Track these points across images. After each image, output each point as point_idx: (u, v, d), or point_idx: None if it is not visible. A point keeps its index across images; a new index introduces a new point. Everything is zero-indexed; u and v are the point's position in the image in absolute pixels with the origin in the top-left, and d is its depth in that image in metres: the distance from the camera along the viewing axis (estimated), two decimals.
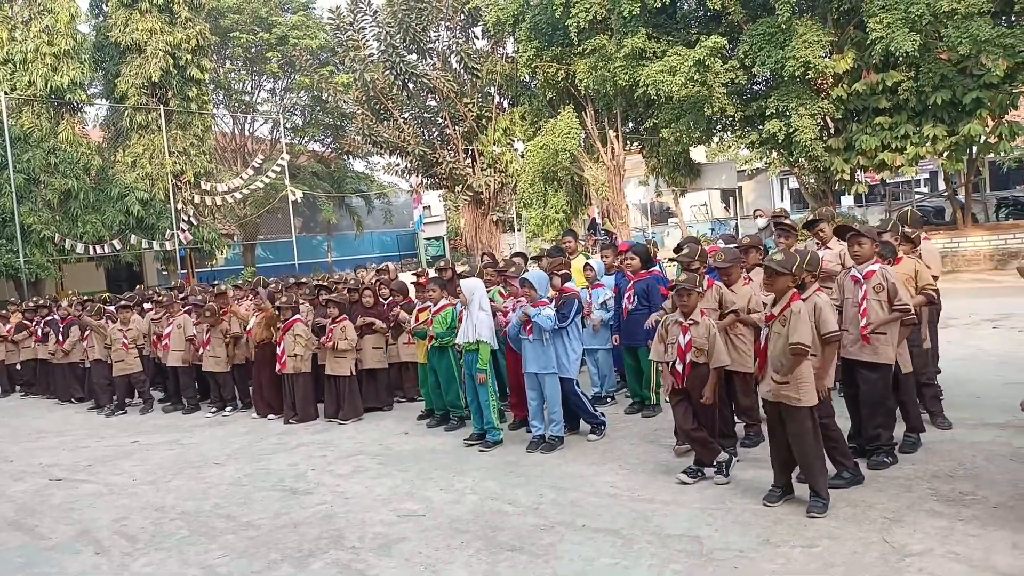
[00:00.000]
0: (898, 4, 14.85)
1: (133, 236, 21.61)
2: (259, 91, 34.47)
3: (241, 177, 24.55)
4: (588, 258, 8.12)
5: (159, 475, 6.48)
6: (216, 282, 12.59)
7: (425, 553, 4.33)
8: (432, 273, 10.47)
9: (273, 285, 10.17)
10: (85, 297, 13.59)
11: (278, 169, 25.28)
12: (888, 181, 23.81)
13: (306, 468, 6.28)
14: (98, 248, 20.95)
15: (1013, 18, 15.90)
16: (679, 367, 5.19)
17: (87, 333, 10.09)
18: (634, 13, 18.11)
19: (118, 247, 21.46)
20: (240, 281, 15.61)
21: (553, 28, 21.28)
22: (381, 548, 4.46)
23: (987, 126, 15.91)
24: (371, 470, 6.05)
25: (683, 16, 20.51)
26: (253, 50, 30.87)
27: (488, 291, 6.99)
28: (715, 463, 5.11)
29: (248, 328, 8.48)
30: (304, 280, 10.60)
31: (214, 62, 26.38)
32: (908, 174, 18.36)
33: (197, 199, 23.18)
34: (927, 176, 29.37)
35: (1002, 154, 17.49)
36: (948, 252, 16.22)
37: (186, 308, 9.44)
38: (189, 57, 22.93)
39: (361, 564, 4.27)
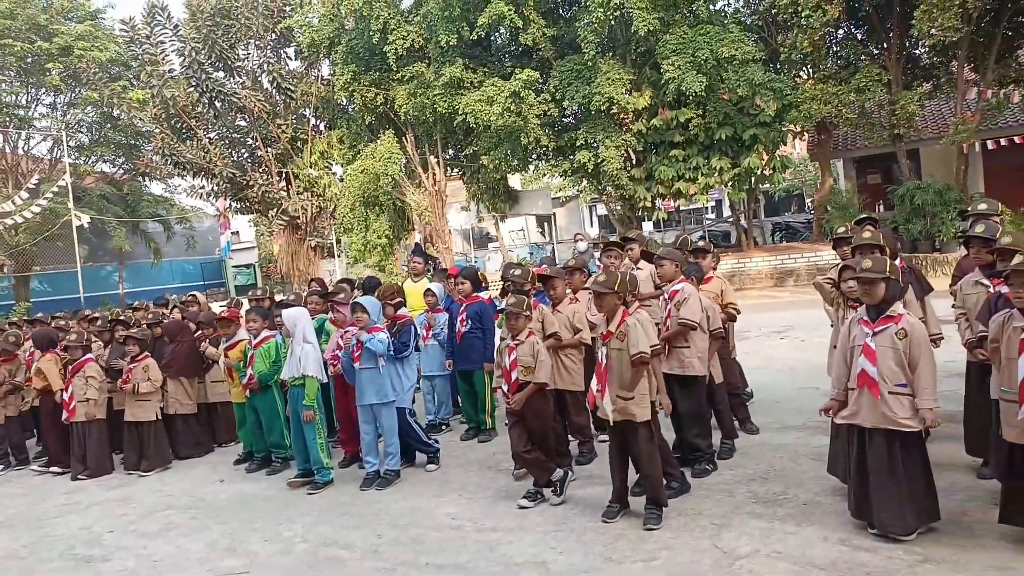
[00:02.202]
0: (687, 48, 16.41)
1: None
2: (36, 105, 30.74)
3: (13, 201, 21.62)
4: (430, 282, 7.98)
5: None
6: None
7: None
8: (245, 303, 9.78)
9: (58, 319, 8.95)
10: None
11: (57, 191, 22.54)
12: (682, 208, 26.10)
13: (101, 530, 5.49)
14: None
15: (779, 66, 18.16)
16: (505, 387, 5.20)
17: None
18: (451, 43, 18.47)
19: None
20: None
21: (371, 53, 21.13)
22: None
23: (762, 159, 17.94)
24: (183, 526, 5.43)
25: (497, 49, 21.26)
26: (29, 60, 27.52)
27: (313, 319, 6.62)
28: (551, 483, 5.15)
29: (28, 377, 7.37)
30: (95, 315, 9.40)
31: None
32: (701, 201, 20.18)
33: None
34: (714, 203, 32.52)
35: (775, 184, 19.77)
36: (736, 271, 17.99)
37: None
38: None
39: None
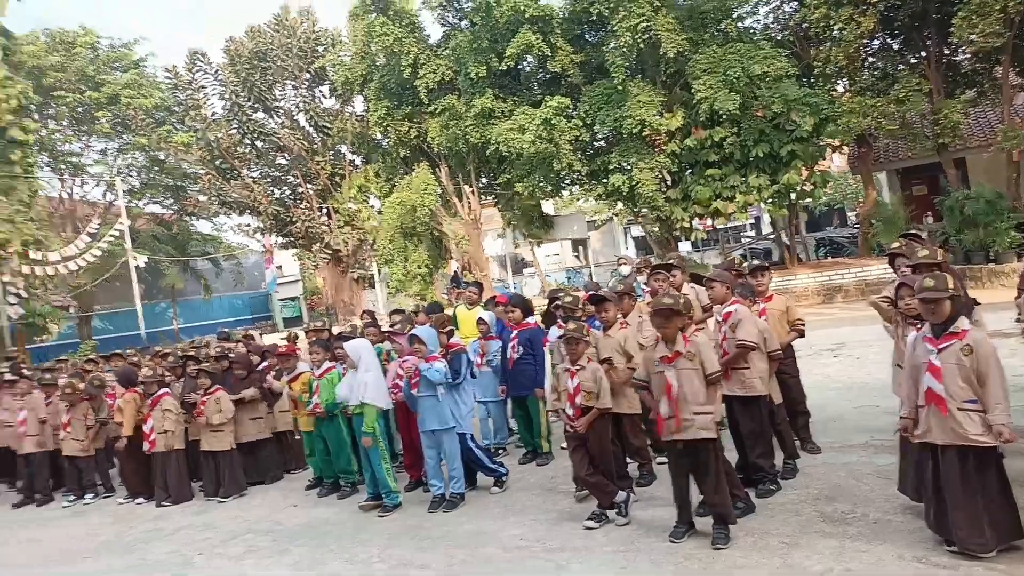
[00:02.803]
0: (717, 68, 16.54)
1: None
2: (88, 152, 32.12)
3: (76, 245, 22.58)
4: (483, 310, 8.21)
5: None
6: (63, 358, 11.39)
7: None
8: (301, 335, 10.15)
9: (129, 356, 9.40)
10: None
11: (116, 234, 23.51)
12: (720, 227, 26.06)
13: (191, 553, 5.81)
14: None
15: (813, 80, 18.18)
16: (569, 411, 5.35)
17: None
18: (480, 75, 18.92)
19: None
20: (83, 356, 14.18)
21: (402, 88, 21.70)
22: None
23: (802, 175, 17.90)
24: (265, 548, 5.70)
25: (526, 78, 21.64)
26: (80, 109, 28.84)
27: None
28: (614, 505, 5.28)
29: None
30: (167, 351, 9.87)
31: (38, 122, 24.35)
32: (740, 220, 20.16)
33: (26, 270, 21.02)
34: (752, 221, 32.38)
35: (817, 199, 19.66)
36: (781, 290, 17.82)
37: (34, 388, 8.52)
38: (10, 118, 21.01)
39: None
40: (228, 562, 5.50)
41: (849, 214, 34.01)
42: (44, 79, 26.57)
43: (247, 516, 6.69)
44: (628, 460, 6.05)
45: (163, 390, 7.48)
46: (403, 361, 6.69)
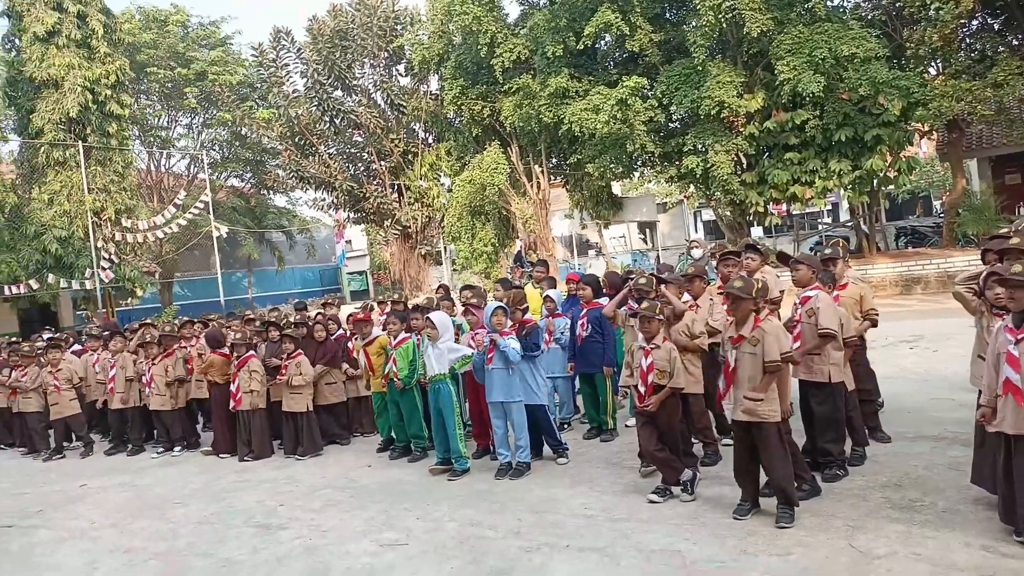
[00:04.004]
0: (803, 48, 16.06)
1: (51, 275, 20.61)
2: (175, 126, 33.62)
3: (163, 214, 23.82)
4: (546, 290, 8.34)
5: (119, 518, 6.25)
6: (146, 319, 12.11)
7: None
8: (375, 307, 10.56)
9: (218, 322, 9.96)
10: (12, 339, 12.83)
11: (200, 205, 24.65)
12: (795, 212, 25.38)
13: (274, 504, 6.18)
14: (14, 288, 19.89)
15: (904, 62, 17.44)
16: (641, 389, 5.45)
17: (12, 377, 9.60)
18: (557, 54, 18.87)
19: (35, 287, 20.41)
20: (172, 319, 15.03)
21: (478, 67, 21.84)
22: None
23: (886, 161, 17.27)
24: (342, 503, 6.03)
25: (603, 57, 21.46)
26: (170, 85, 30.17)
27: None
28: (680, 482, 5.37)
29: (202, 367, 8.27)
30: (253, 316, 10.40)
31: (132, 97, 25.64)
32: (818, 206, 19.62)
33: (118, 236, 22.29)
34: (830, 207, 31.43)
35: (900, 187, 18.93)
36: (856, 279, 17.31)
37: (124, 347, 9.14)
38: (108, 92, 22.21)
39: None
40: (309, 514, 5.84)
41: (934, 203, 32.57)
42: (138, 56, 27.88)
43: (325, 473, 7.05)
44: (693, 440, 6.13)
45: (250, 352, 7.92)
46: (475, 334, 6.91)
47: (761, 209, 18.73)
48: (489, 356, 6.36)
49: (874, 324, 6.10)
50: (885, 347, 10.20)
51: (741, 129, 18.01)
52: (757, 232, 27.97)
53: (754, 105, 17.48)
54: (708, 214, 32.16)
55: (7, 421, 10.18)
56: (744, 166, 18.93)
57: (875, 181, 17.88)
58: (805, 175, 17.46)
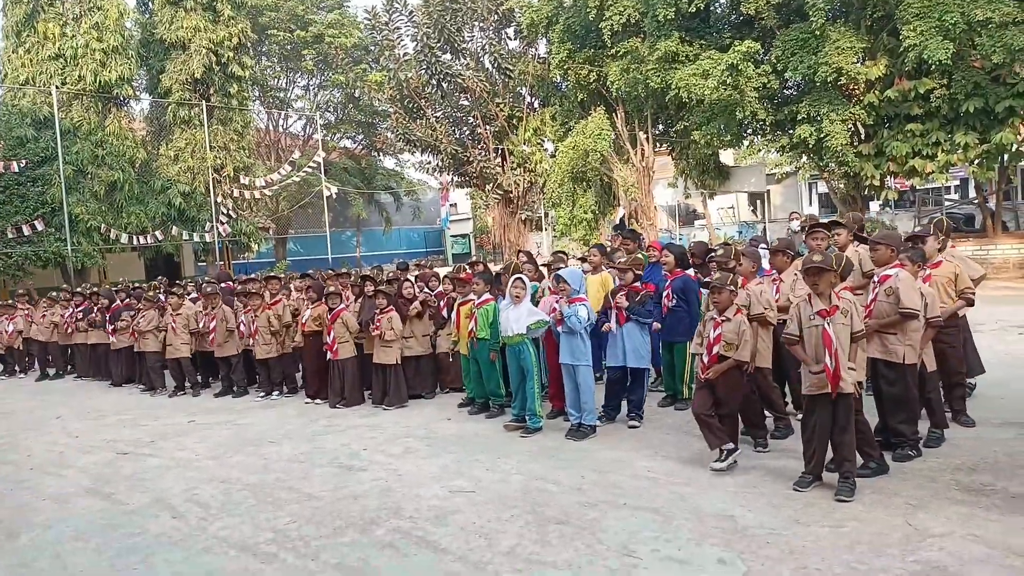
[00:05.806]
0: (932, 12, 14.97)
1: (174, 227, 22.36)
2: (293, 88, 35.18)
3: (278, 172, 25.22)
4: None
5: (220, 451, 6.92)
6: (256, 274, 13.06)
7: (479, 523, 4.70)
8: (466, 269, 10.90)
9: (319, 275, 10.61)
10: (135, 285, 14.14)
11: (314, 165, 25.91)
12: (918, 187, 23.83)
13: (358, 448, 6.68)
14: (141, 238, 21.71)
15: None
16: (705, 359, 5.50)
17: (138, 320, 10.59)
18: (668, 17, 18.39)
19: (160, 238, 22.21)
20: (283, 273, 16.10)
21: (586, 30, 21.61)
22: (437, 519, 4.83)
23: (1019, 134, 15.95)
24: (420, 451, 6.44)
25: (716, 20, 20.74)
26: (289, 47, 31.55)
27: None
28: (720, 449, 5.37)
29: (303, 320, 8.87)
30: (347, 272, 11.03)
31: (252, 59, 27.07)
32: (939, 181, 18.41)
33: (236, 193, 23.86)
34: (957, 183, 29.27)
35: None
36: (977, 259, 16.22)
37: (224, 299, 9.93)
38: (231, 54, 23.61)
39: (420, 532, 4.65)
40: (388, 458, 6.29)
41: None
42: (260, 18, 29.31)
43: (407, 423, 7.50)
44: (765, 413, 6.12)
45: (343, 305, 8.45)
46: (560, 298, 7.09)
47: (877, 183, 17.77)
48: (559, 320, 6.54)
49: (970, 303, 5.85)
50: (993, 332, 9.66)
51: (860, 97, 17.07)
52: (874, 207, 26.52)
53: (875, 72, 16.51)
54: (823, 186, 30.67)
55: (129, 359, 11.23)
56: (861, 137, 17.97)
57: (1005, 156, 16.56)
58: (927, 148, 16.42)
